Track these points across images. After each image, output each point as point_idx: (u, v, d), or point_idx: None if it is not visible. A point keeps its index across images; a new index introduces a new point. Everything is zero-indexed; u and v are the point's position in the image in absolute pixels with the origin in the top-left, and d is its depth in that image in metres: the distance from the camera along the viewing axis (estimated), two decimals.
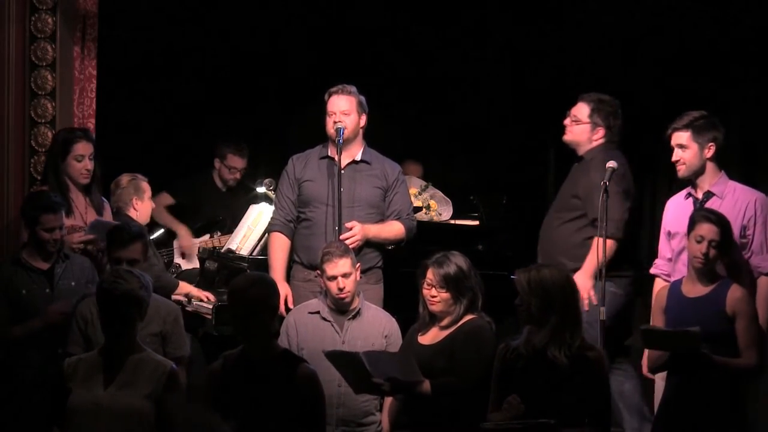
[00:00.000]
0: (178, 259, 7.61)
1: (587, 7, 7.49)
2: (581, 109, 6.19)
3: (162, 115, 8.11)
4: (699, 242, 5.27)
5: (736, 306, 5.25)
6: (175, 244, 7.70)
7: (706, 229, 5.26)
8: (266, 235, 6.58)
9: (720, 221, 5.30)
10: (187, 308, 6.54)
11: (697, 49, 7.05)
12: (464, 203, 7.32)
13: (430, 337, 5.50)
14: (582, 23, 7.57)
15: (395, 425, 5.53)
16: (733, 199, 5.67)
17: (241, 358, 4.75)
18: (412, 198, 6.77)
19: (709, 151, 5.71)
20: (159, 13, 7.89)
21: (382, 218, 6.32)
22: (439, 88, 8.19)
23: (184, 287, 6.69)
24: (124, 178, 6.64)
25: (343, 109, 6.24)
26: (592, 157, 6.13)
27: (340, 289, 5.76)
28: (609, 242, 5.87)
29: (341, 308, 5.84)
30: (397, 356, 5.51)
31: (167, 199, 7.65)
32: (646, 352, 5.54)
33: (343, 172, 6.21)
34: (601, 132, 6.17)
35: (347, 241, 6.06)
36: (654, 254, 6.15)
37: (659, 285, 5.80)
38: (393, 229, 6.32)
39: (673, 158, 5.78)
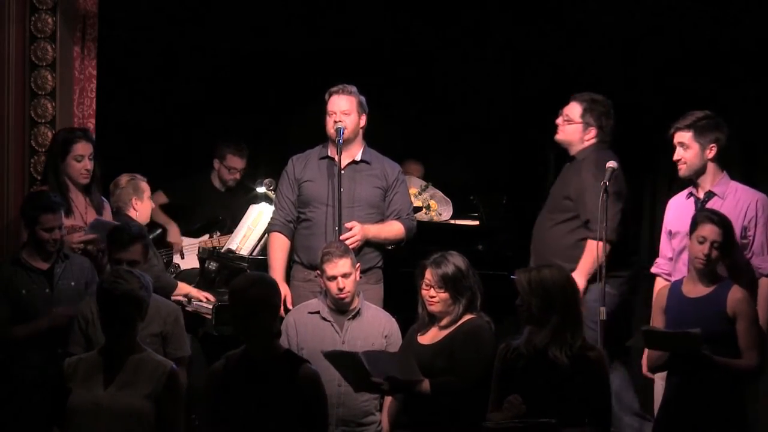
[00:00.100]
0: (177, 259, 7.60)
1: (587, 7, 7.49)
2: (573, 109, 6.19)
3: (162, 115, 8.11)
4: (701, 243, 5.27)
5: (737, 307, 5.25)
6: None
7: (709, 230, 5.26)
8: (266, 235, 6.58)
9: (722, 222, 5.29)
10: (187, 308, 6.54)
11: (697, 48, 7.04)
12: (464, 203, 7.32)
13: (430, 337, 5.50)
14: (582, 23, 7.57)
15: (395, 425, 5.54)
16: (734, 199, 5.67)
17: (243, 359, 4.74)
18: (412, 198, 6.77)
19: (711, 152, 5.71)
20: (159, 13, 7.89)
21: (382, 218, 6.33)
22: (439, 88, 8.20)
23: (183, 288, 6.69)
24: (123, 178, 6.64)
25: (344, 109, 6.24)
26: (583, 158, 6.13)
27: (340, 289, 5.76)
28: (601, 244, 5.88)
29: (341, 308, 5.84)
30: (396, 356, 5.51)
31: (162, 198, 7.65)
32: (646, 351, 5.54)
33: (343, 172, 6.21)
34: (593, 132, 6.16)
35: (347, 242, 6.06)
36: (654, 254, 6.16)
37: (660, 284, 5.80)
38: (393, 229, 6.32)
39: (675, 157, 5.78)
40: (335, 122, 6.22)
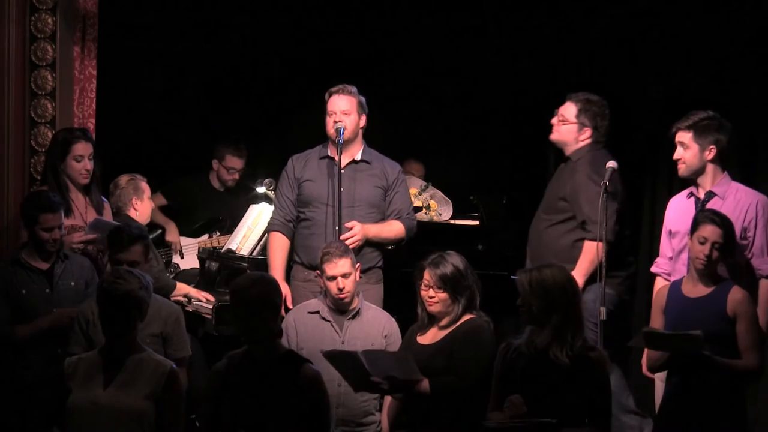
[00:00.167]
0: (177, 259, 7.60)
1: (587, 6, 7.49)
2: (568, 109, 6.19)
3: (162, 115, 8.11)
4: (702, 244, 5.26)
5: (737, 307, 5.25)
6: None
7: (710, 231, 5.25)
8: (266, 235, 6.58)
9: (724, 223, 5.29)
10: (187, 308, 6.54)
11: (698, 48, 7.04)
12: (464, 203, 7.32)
13: (429, 337, 5.50)
14: (582, 23, 7.57)
15: (395, 425, 5.54)
16: (734, 200, 5.67)
17: (245, 359, 4.74)
18: (412, 198, 6.77)
19: (710, 153, 5.71)
20: (159, 13, 7.88)
21: (382, 218, 6.32)
22: (439, 88, 8.19)
23: (182, 288, 6.69)
24: (123, 179, 6.65)
25: (344, 109, 6.24)
26: (578, 158, 6.13)
27: (340, 290, 5.76)
28: (599, 244, 5.88)
29: (341, 308, 5.84)
30: (395, 355, 5.51)
31: (161, 200, 7.64)
32: (646, 351, 5.54)
33: (342, 171, 6.21)
34: (587, 132, 6.16)
35: (347, 242, 6.06)
36: (654, 254, 6.16)
37: (660, 284, 5.81)
38: (393, 229, 6.32)
39: (675, 156, 5.79)
40: (335, 122, 6.21)
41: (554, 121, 6.23)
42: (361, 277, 6.00)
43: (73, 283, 5.84)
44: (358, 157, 6.32)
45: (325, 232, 6.21)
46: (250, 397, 4.66)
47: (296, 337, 5.80)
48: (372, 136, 6.43)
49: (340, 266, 5.75)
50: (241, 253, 6.75)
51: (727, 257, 5.37)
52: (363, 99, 6.30)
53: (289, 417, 4.63)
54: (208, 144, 7.97)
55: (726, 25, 6.88)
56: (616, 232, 5.94)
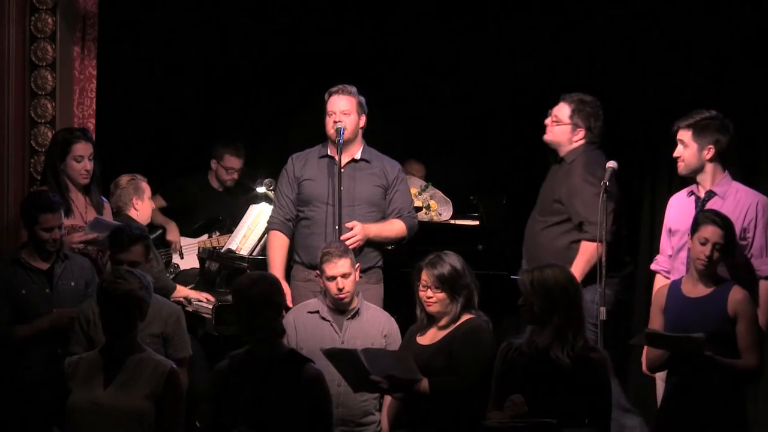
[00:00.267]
0: (176, 259, 7.60)
1: (587, 6, 7.49)
2: (562, 110, 6.18)
3: (162, 116, 8.11)
4: (703, 245, 5.26)
5: (738, 307, 5.24)
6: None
7: (711, 232, 5.25)
8: (266, 234, 6.57)
9: (725, 224, 5.28)
10: (188, 308, 6.54)
11: (698, 48, 7.04)
12: (464, 203, 7.32)
13: (429, 337, 5.51)
14: (582, 23, 7.57)
15: (394, 425, 5.54)
16: (734, 200, 5.67)
17: (246, 358, 4.74)
18: (413, 198, 6.76)
19: (708, 153, 5.70)
20: (159, 13, 7.89)
21: (383, 216, 6.32)
22: (439, 88, 8.19)
23: (182, 291, 6.69)
24: (124, 179, 6.65)
25: (343, 109, 6.23)
26: (572, 159, 6.12)
27: (340, 290, 5.76)
28: (594, 245, 5.87)
29: (340, 308, 5.84)
30: (395, 354, 5.51)
31: (160, 201, 7.64)
32: (645, 350, 5.55)
33: (342, 171, 6.21)
34: (581, 133, 6.15)
35: (349, 241, 6.06)
36: (653, 253, 6.16)
37: (659, 282, 5.81)
38: (394, 228, 6.31)
39: (674, 154, 5.80)
40: (335, 122, 6.21)
41: (548, 121, 6.22)
42: (361, 277, 6.00)
43: (73, 283, 5.83)
44: (357, 156, 6.32)
45: (325, 232, 6.20)
46: (251, 396, 4.66)
47: (296, 337, 5.79)
48: (372, 136, 6.43)
49: (339, 266, 5.75)
50: (241, 253, 6.75)
51: (727, 258, 5.37)
52: (363, 99, 6.30)
53: (291, 416, 4.63)
54: (207, 144, 7.97)
55: (726, 25, 6.88)
56: (613, 233, 5.93)
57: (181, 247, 7.60)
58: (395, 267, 6.32)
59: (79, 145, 6.17)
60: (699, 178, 5.76)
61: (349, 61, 7.94)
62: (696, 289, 5.33)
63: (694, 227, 5.31)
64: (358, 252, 6.09)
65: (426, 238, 6.48)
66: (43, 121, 6.55)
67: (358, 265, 5.89)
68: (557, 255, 5.93)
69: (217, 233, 7.46)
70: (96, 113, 6.71)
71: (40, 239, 5.74)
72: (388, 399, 5.59)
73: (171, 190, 7.82)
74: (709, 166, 5.73)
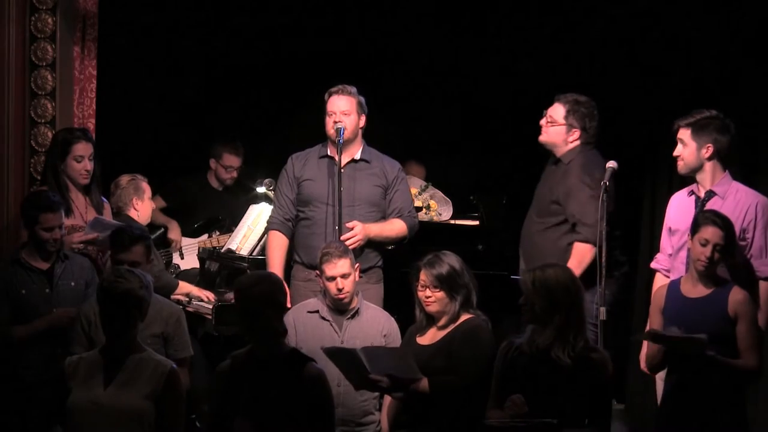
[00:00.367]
0: (177, 259, 7.60)
1: (587, 6, 7.49)
2: (557, 110, 6.16)
3: (162, 116, 8.11)
4: (703, 245, 5.25)
5: (738, 308, 5.24)
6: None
7: (711, 233, 5.24)
8: (266, 234, 6.57)
9: (725, 225, 5.27)
10: (188, 308, 6.54)
11: (698, 48, 7.04)
12: (464, 203, 7.32)
13: (429, 337, 5.51)
14: (582, 23, 7.57)
15: (394, 425, 5.54)
16: (734, 200, 5.66)
17: (248, 358, 4.73)
18: (413, 198, 6.76)
19: (707, 152, 5.70)
20: (159, 13, 7.89)
21: (383, 216, 6.32)
22: (439, 88, 8.19)
23: (185, 287, 6.69)
24: (124, 179, 6.65)
25: (343, 109, 6.23)
26: (570, 160, 6.11)
27: (339, 290, 5.76)
28: (587, 247, 5.87)
29: (340, 308, 5.84)
30: (395, 353, 5.50)
31: (160, 202, 7.64)
32: (644, 349, 5.54)
33: (342, 171, 6.20)
34: (576, 133, 6.13)
35: (349, 241, 6.06)
36: (654, 252, 6.15)
37: (659, 280, 5.80)
38: (395, 228, 6.31)
39: (674, 153, 5.80)
40: (335, 122, 6.21)
41: (543, 122, 6.20)
42: (361, 277, 6.00)
43: (73, 284, 5.84)
44: (357, 156, 6.32)
45: (325, 232, 6.20)
46: (254, 396, 4.65)
47: (295, 337, 5.79)
48: (372, 137, 6.43)
49: (339, 267, 5.75)
50: (241, 253, 6.75)
51: (728, 258, 5.37)
52: (362, 99, 6.30)
53: (293, 416, 4.62)
54: (207, 144, 7.97)
55: (726, 25, 6.88)
56: (606, 234, 5.86)
57: (181, 247, 7.60)
58: (395, 267, 6.32)
59: (80, 145, 6.17)
60: (699, 177, 5.76)
61: (349, 61, 7.93)
62: (696, 290, 5.33)
63: (694, 228, 5.31)
64: (358, 252, 6.09)
65: (426, 238, 6.48)
66: (43, 121, 6.55)
67: (357, 265, 5.89)
68: (555, 256, 5.91)
69: (217, 233, 7.47)
70: (96, 113, 6.71)
71: (41, 239, 5.74)
72: (387, 399, 5.59)
73: (171, 191, 7.82)
74: (708, 166, 5.72)
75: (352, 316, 5.85)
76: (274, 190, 6.68)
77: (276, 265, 6.26)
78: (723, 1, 6.92)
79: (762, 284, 5.59)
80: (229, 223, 7.44)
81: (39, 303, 5.76)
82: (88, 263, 5.97)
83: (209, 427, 4.84)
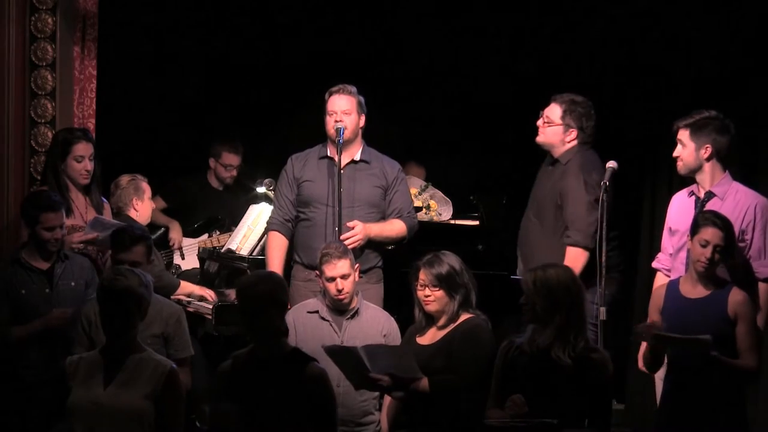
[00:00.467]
0: (177, 260, 7.61)
1: (587, 6, 7.49)
2: (554, 111, 6.15)
3: (162, 116, 8.11)
4: (704, 246, 5.24)
5: (738, 309, 5.24)
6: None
7: (711, 234, 5.23)
8: (265, 234, 6.57)
9: (726, 226, 5.27)
10: (188, 309, 6.54)
11: (698, 48, 7.05)
12: (464, 203, 7.32)
13: (429, 337, 5.51)
14: (582, 23, 7.57)
15: (394, 425, 5.54)
16: (733, 201, 5.66)
17: (250, 358, 4.73)
18: (412, 198, 6.76)
19: (706, 152, 5.70)
20: (159, 14, 7.89)
21: (382, 217, 6.32)
22: (439, 88, 8.19)
23: (186, 287, 6.69)
24: (124, 179, 6.65)
25: (344, 109, 6.24)
26: (567, 160, 6.09)
27: (339, 291, 5.76)
28: (578, 251, 5.86)
29: (340, 308, 5.84)
30: (396, 351, 5.50)
31: (161, 203, 7.64)
32: (642, 349, 5.54)
33: (342, 172, 6.20)
34: (574, 133, 6.12)
35: (349, 240, 6.06)
36: (654, 252, 6.15)
37: (660, 279, 5.80)
38: (395, 228, 6.31)
39: (674, 154, 5.80)
40: (335, 122, 6.21)
41: (539, 123, 6.19)
42: (361, 277, 6.00)
43: (73, 284, 5.84)
44: (357, 157, 6.32)
45: (325, 233, 6.20)
46: (255, 396, 4.65)
47: (295, 337, 5.79)
48: (372, 136, 6.43)
49: (339, 268, 5.75)
50: (241, 253, 6.75)
51: (727, 259, 5.36)
52: (362, 99, 6.30)
53: (295, 416, 4.62)
54: (207, 144, 7.97)
55: (726, 25, 6.88)
56: (596, 240, 5.84)
57: (181, 247, 7.60)
58: (395, 267, 6.32)
59: (80, 145, 6.17)
60: (698, 178, 5.76)
61: (349, 61, 7.94)
62: (695, 290, 5.32)
63: (694, 229, 5.30)
64: (358, 252, 6.08)
65: (426, 238, 6.48)
66: (43, 121, 6.55)
67: (357, 265, 5.89)
68: (554, 257, 5.90)
69: (217, 232, 7.46)
70: (96, 113, 6.71)
71: (42, 239, 5.74)
72: (387, 399, 5.60)
73: (171, 191, 7.81)
74: (707, 166, 5.72)
75: (352, 317, 5.85)
76: (274, 190, 6.68)
77: (275, 265, 6.26)
78: (723, 1, 6.92)
79: (761, 285, 5.59)
80: (229, 223, 7.44)
81: (39, 303, 5.76)
82: (88, 263, 5.97)
83: (211, 428, 4.83)
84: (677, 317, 5.29)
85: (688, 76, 7.07)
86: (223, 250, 6.96)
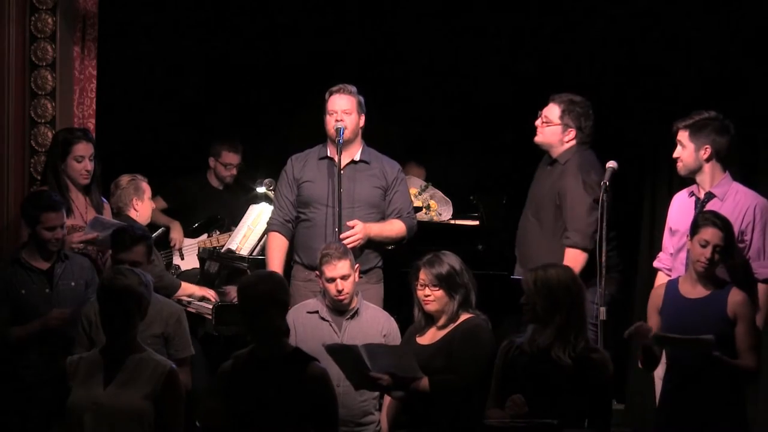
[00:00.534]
0: (177, 260, 7.60)
1: (587, 6, 7.49)
2: (552, 111, 6.15)
3: (162, 116, 8.11)
4: (703, 246, 5.24)
5: (737, 309, 5.24)
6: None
7: (711, 234, 5.23)
8: (265, 235, 6.57)
9: (725, 226, 5.26)
10: (189, 309, 6.53)
11: (698, 48, 7.05)
12: (464, 203, 7.32)
13: (428, 337, 5.51)
14: (582, 23, 7.57)
15: (394, 425, 5.54)
16: (733, 202, 5.66)
17: (251, 358, 4.73)
18: (412, 198, 6.76)
19: (705, 153, 5.70)
20: (159, 13, 7.89)
21: (382, 217, 6.32)
22: (439, 88, 8.19)
23: (187, 288, 6.69)
24: (124, 179, 6.65)
25: (344, 109, 6.24)
26: (566, 160, 6.09)
27: (339, 291, 5.76)
28: (578, 252, 5.86)
29: (339, 308, 5.84)
30: (396, 350, 5.50)
31: (161, 203, 7.64)
32: (641, 347, 5.53)
33: (342, 172, 6.20)
34: (572, 133, 6.12)
35: (349, 240, 6.06)
36: (653, 252, 6.15)
37: (661, 279, 5.80)
38: (394, 228, 6.31)
39: (674, 155, 5.80)
40: (336, 122, 6.21)
41: (538, 123, 6.19)
42: (361, 277, 6.00)
43: (73, 284, 5.84)
44: (357, 158, 6.32)
45: (325, 233, 6.20)
46: (256, 396, 4.64)
47: (295, 337, 5.79)
48: (372, 136, 6.43)
49: (339, 268, 5.75)
50: (241, 253, 6.75)
51: (727, 260, 5.36)
52: (362, 99, 6.30)
53: (296, 415, 4.62)
54: (207, 144, 7.97)
55: (726, 25, 6.89)
56: (595, 240, 5.85)
57: (180, 248, 7.60)
58: (395, 267, 6.32)
59: (80, 145, 6.17)
60: (698, 178, 5.76)
61: (349, 61, 7.93)
62: (695, 290, 5.32)
63: (694, 229, 5.30)
64: (358, 252, 6.08)
65: (426, 238, 6.48)
66: (43, 121, 6.55)
67: (357, 266, 5.89)
68: (553, 257, 5.90)
69: (217, 232, 7.47)
70: (96, 113, 6.71)
71: (43, 239, 5.75)
72: (387, 399, 5.60)
73: (171, 191, 7.81)
74: (707, 167, 5.72)
75: (352, 317, 5.85)
76: (274, 190, 6.68)
77: (276, 266, 6.25)
78: (723, 1, 6.92)
79: (761, 286, 5.59)
80: (229, 223, 7.44)
81: (39, 303, 5.76)
82: (88, 263, 5.97)
83: (213, 428, 4.82)
84: (676, 317, 5.29)
85: (688, 76, 7.07)
86: (223, 250, 6.96)
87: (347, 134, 6.20)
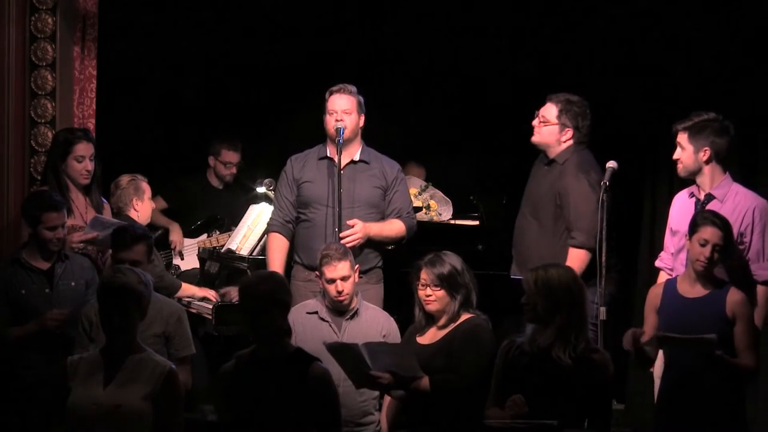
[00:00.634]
0: (177, 260, 7.60)
1: (587, 6, 7.49)
2: (549, 110, 6.14)
3: (162, 116, 8.11)
4: (702, 246, 5.24)
5: (736, 309, 5.24)
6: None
7: (710, 233, 5.23)
8: (266, 235, 6.57)
9: (725, 225, 5.27)
10: (190, 309, 6.53)
11: (698, 48, 7.05)
12: (464, 203, 7.32)
13: (429, 337, 5.51)
14: (582, 23, 7.57)
15: (394, 425, 5.54)
16: (733, 203, 5.66)
17: (252, 358, 4.73)
18: (412, 198, 6.76)
19: (704, 155, 5.69)
20: (159, 13, 7.89)
21: (382, 217, 6.32)
22: (439, 88, 8.19)
23: (188, 289, 6.69)
24: (124, 179, 6.65)
25: (344, 108, 6.24)
26: (564, 160, 6.09)
27: (339, 292, 5.76)
28: (581, 252, 5.86)
29: (339, 309, 5.84)
30: (397, 349, 5.50)
31: (161, 203, 7.64)
32: (633, 348, 5.53)
33: (342, 172, 6.20)
34: (569, 133, 6.11)
35: (349, 239, 6.06)
36: (654, 252, 6.15)
37: (663, 278, 5.80)
38: (394, 228, 6.31)
39: (674, 156, 5.79)
40: (336, 121, 6.21)
41: (535, 122, 6.19)
42: (361, 278, 6.00)
43: (73, 284, 5.84)
44: (356, 158, 6.32)
45: (325, 233, 6.20)
46: (258, 396, 4.64)
47: (295, 337, 5.78)
48: (372, 136, 6.43)
49: (339, 269, 5.75)
50: (241, 253, 6.75)
51: (726, 259, 5.36)
52: (362, 99, 6.31)
53: (298, 415, 4.61)
54: (207, 144, 7.97)
55: (726, 25, 6.89)
56: (596, 240, 5.84)
57: (181, 249, 7.60)
58: (395, 267, 6.32)
59: (81, 145, 6.17)
60: (698, 180, 5.76)
61: (349, 61, 7.93)
62: (693, 290, 5.32)
63: (693, 228, 5.30)
64: (357, 252, 6.08)
65: (426, 238, 6.48)
66: (43, 121, 6.55)
67: (357, 266, 5.89)
68: (552, 257, 5.90)
69: (217, 232, 7.47)
70: (96, 113, 6.71)
71: (44, 239, 5.74)
72: (387, 399, 5.60)
73: (171, 191, 7.81)
74: (707, 168, 5.72)
75: (352, 317, 5.85)
76: (274, 190, 6.68)
77: (276, 267, 6.25)
78: (723, 1, 6.92)
79: (759, 288, 5.59)
80: (229, 222, 7.44)
81: (39, 303, 5.76)
82: (89, 263, 5.97)
83: (214, 428, 4.82)
84: (675, 316, 5.29)
85: (688, 76, 7.07)
86: (223, 251, 6.96)
87: (347, 134, 6.21)
